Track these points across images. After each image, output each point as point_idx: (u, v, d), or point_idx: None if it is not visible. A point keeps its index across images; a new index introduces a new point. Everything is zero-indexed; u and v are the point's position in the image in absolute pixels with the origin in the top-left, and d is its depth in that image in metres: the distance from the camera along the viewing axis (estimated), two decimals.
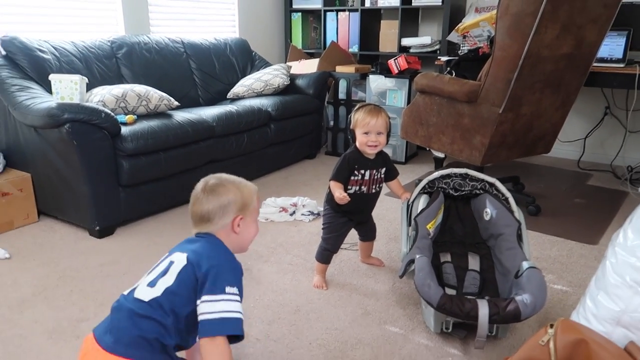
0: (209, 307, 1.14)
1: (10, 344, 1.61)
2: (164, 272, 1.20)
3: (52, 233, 2.48)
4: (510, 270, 1.66)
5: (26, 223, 2.56)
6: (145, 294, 1.18)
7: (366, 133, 1.80)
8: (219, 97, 3.59)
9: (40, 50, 2.66)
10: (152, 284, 1.19)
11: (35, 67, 2.59)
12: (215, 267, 1.17)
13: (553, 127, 2.77)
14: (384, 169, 1.91)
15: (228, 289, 1.16)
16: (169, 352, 1.17)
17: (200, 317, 1.14)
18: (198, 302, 1.15)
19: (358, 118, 1.81)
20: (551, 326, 1.17)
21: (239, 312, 1.16)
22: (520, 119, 2.52)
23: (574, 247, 2.37)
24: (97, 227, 2.37)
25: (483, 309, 1.42)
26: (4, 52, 2.56)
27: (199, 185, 1.30)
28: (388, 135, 1.84)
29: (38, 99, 2.35)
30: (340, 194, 1.78)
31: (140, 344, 1.13)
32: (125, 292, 1.24)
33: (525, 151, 2.77)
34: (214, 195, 1.25)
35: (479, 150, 2.56)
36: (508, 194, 1.85)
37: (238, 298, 1.18)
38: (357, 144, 1.84)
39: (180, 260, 1.21)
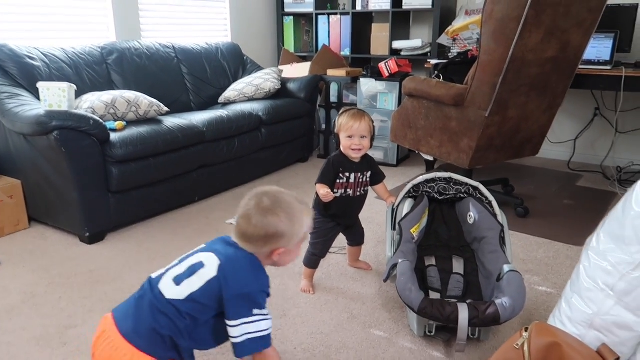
0: (237, 331, 1.16)
1: None
2: (192, 272, 1.19)
3: (42, 240, 2.49)
4: (492, 273, 1.68)
5: (17, 230, 2.58)
6: (169, 290, 1.18)
7: (350, 137, 1.82)
8: (211, 102, 3.61)
9: (30, 58, 2.67)
10: (177, 281, 1.19)
11: (25, 74, 2.60)
12: (245, 294, 1.17)
13: (540, 130, 2.79)
14: (369, 172, 1.93)
15: (256, 311, 1.17)
16: (181, 353, 1.18)
17: (236, 340, 1.16)
18: (230, 322, 1.16)
19: (342, 122, 1.83)
20: (526, 329, 1.19)
21: (267, 329, 1.19)
22: (507, 122, 2.54)
23: (561, 249, 2.39)
24: (87, 234, 2.39)
25: (463, 312, 1.44)
26: None
27: (252, 200, 1.21)
28: (372, 139, 1.86)
29: (27, 107, 2.37)
30: (325, 191, 1.80)
31: (154, 339, 1.14)
32: (153, 276, 1.24)
33: (513, 154, 2.80)
34: (263, 220, 1.17)
35: (467, 153, 2.58)
36: (491, 198, 1.87)
37: (266, 318, 1.19)
38: (342, 147, 1.87)
39: (211, 267, 1.19)
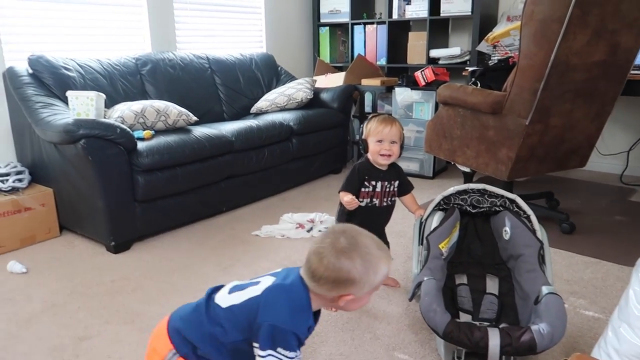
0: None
1: None
2: (245, 287, 1.17)
3: (70, 248, 2.50)
4: (530, 294, 1.53)
5: (48, 238, 2.61)
6: (219, 297, 1.17)
7: (379, 141, 1.73)
8: (244, 112, 3.58)
9: (66, 68, 2.72)
10: (231, 291, 1.17)
11: (60, 84, 2.65)
12: (273, 327, 1.08)
13: (588, 140, 2.59)
14: (397, 182, 1.82)
15: (281, 350, 1.07)
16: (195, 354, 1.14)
17: None
18: (259, 351, 1.09)
19: (371, 127, 1.75)
20: None
21: None
22: (549, 131, 2.37)
23: (611, 269, 2.18)
24: (113, 243, 2.38)
25: (494, 339, 1.30)
26: (30, 71, 2.64)
27: (328, 237, 1.10)
28: (401, 147, 1.76)
29: (59, 116, 2.40)
30: (349, 198, 1.73)
31: (183, 341, 1.15)
32: (212, 287, 1.22)
33: (557, 165, 2.60)
34: (336, 263, 1.06)
35: (505, 164, 2.42)
36: (530, 212, 1.71)
37: (293, 356, 1.09)
38: (370, 153, 1.78)
39: (262, 286, 1.14)
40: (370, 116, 1.83)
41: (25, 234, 2.50)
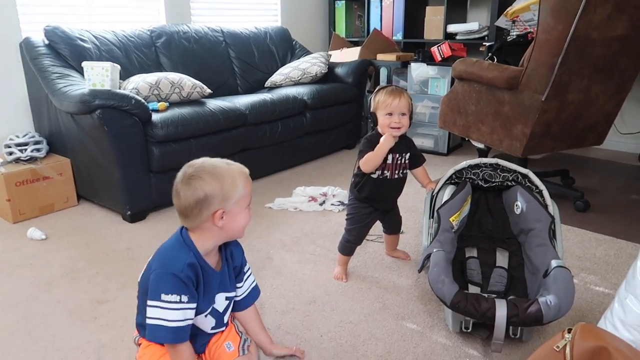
0: (148, 312, 1.15)
1: (34, 320, 1.67)
2: None
3: (88, 217, 2.56)
4: (539, 268, 1.53)
5: (66, 206, 2.67)
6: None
7: (389, 114, 1.71)
8: (258, 86, 3.58)
9: (81, 40, 2.74)
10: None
11: (75, 55, 2.67)
12: (155, 272, 1.15)
13: (606, 117, 2.55)
14: (407, 154, 1.81)
15: (164, 297, 1.13)
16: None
17: (148, 321, 1.16)
18: (147, 302, 1.16)
19: (379, 100, 1.72)
20: (569, 331, 1.05)
21: (175, 320, 1.14)
22: (566, 108, 2.33)
23: (624, 247, 2.17)
24: (129, 212, 2.43)
25: (501, 309, 1.31)
26: (46, 41, 2.66)
27: (179, 174, 1.18)
28: (410, 118, 1.75)
29: (75, 86, 2.43)
30: (386, 135, 1.71)
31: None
32: None
33: (573, 142, 2.57)
34: (189, 190, 1.13)
35: (520, 141, 2.40)
36: (542, 187, 1.70)
37: (176, 306, 1.13)
38: (379, 127, 1.76)
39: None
40: (377, 88, 1.79)
41: (44, 202, 2.56)
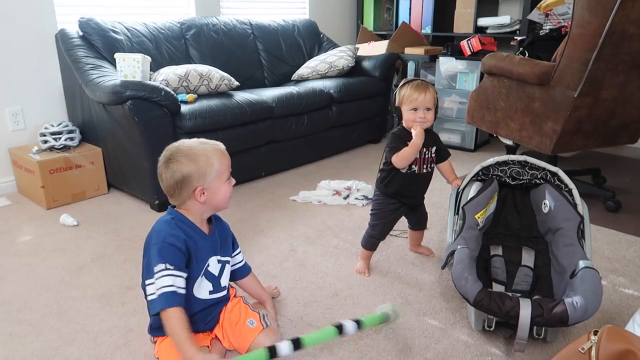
0: (147, 291, 1.24)
1: (64, 304, 1.72)
2: None
3: (118, 205, 2.63)
4: (566, 269, 1.50)
5: (96, 194, 2.74)
6: None
7: (414, 109, 1.70)
8: (285, 79, 3.60)
9: (114, 31, 2.80)
10: None
11: (108, 47, 2.73)
12: (147, 252, 1.25)
13: None
14: (434, 148, 1.80)
15: (155, 269, 1.21)
16: None
17: (150, 297, 1.24)
18: (148, 281, 1.25)
19: (404, 94, 1.71)
20: (595, 333, 1.03)
21: (164, 286, 1.20)
22: (599, 105, 2.27)
23: None
24: (157, 201, 2.48)
25: (525, 309, 1.30)
26: (80, 33, 2.73)
27: (160, 158, 1.29)
28: (436, 112, 1.73)
29: (107, 77, 2.48)
30: (417, 130, 1.69)
31: None
32: None
33: (605, 140, 2.51)
34: (168, 172, 1.25)
35: (550, 138, 2.35)
36: (572, 185, 1.66)
37: (163, 273, 1.20)
38: (404, 122, 1.75)
39: None
40: (402, 82, 1.77)
41: (76, 189, 2.64)
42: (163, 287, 1.20)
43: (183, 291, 1.24)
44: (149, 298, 1.23)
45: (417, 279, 1.88)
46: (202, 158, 1.26)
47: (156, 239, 1.25)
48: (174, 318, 1.21)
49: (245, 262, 1.58)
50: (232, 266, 1.50)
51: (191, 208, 1.30)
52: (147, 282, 1.24)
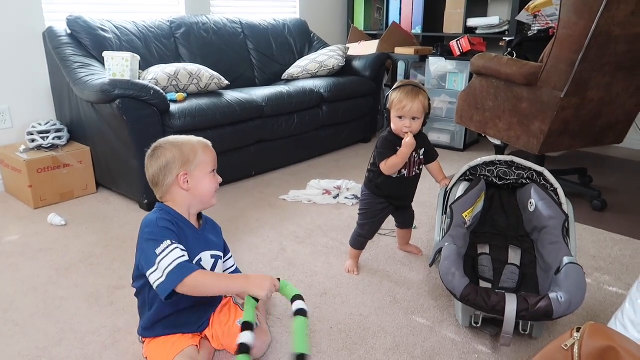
0: (152, 279, 1.21)
1: (52, 304, 1.72)
2: None
3: (106, 204, 2.61)
4: (551, 266, 1.53)
5: (85, 194, 2.72)
6: None
7: (400, 117, 1.70)
8: (275, 78, 3.60)
9: (103, 30, 2.78)
10: None
11: (97, 45, 2.72)
12: (140, 245, 1.26)
13: (626, 116, 2.51)
14: (422, 150, 1.81)
15: (157, 251, 1.19)
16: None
17: (159, 280, 1.20)
18: (149, 271, 1.22)
19: (394, 99, 1.71)
20: (578, 330, 1.05)
21: (176, 259, 1.19)
22: (586, 105, 2.30)
23: None
24: (146, 201, 2.47)
25: (511, 303, 1.31)
26: (69, 31, 2.71)
27: (147, 152, 1.34)
28: (427, 117, 1.74)
29: (96, 76, 2.47)
30: (408, 139, 1.67)
31: None
32: None
33: (592, 140, 2.54)
34: (154, 159, 1.30)
35: (538, 138, 2.37)
36: (557, 185, 1.69)
37: (172, 247, 1.20)
38: (392, 127, 1.75)
39: None
40: (396, 85, 1.76)
41: (64, 189, 2.62)
42: (176, 259, 1.18)
43: (188, 258, 1.24)
44: (158, 282, 1.19)
45: (405, 277, 1.90)
46: (187, 146, 1.31)
47: (148, 228, 1.25)
48: (201, 277, 1.20)
49: (237, 267, 1.58)
50: (224, 270, 1.50)
51: (176, 197, 1.32)
52: (149, 272, 1.21)
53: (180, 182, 1.29)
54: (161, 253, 1.19)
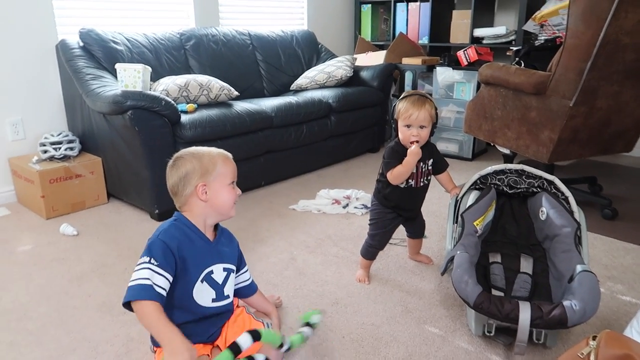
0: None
1: (65, 313, 1.73)
2: None
3: (117, 214, 2.63)
4: (564, 274, 1.52)
5: (96, 204, 2.75)
6: None
7: (407, 126, 1.71)
8: (284, 89, 3.62)
9: (114, 42, 2.83)
10: None
11: (108, 57, 2.75)
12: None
13: (636, 124, 2.50)
14: (430, 161, 1.82)
15: (139, 260, 1.22)
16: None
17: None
18: None
19: (401, 108, 1.72)
20: (594, 338, 1.05)
21: (140, 278, 1.18)
22: (594, 113, 2.30)
23: None
24: (157, 211, 2.49)
25: (524, 312, 1.31)
26: (81, 44, 2.75)
27: (169, 162, 1.35)
28: (434, 126, 1.75)
29: (108, 87, 2.50)
30: (413, 148, 1.69)
31: None
32: None
33: (601, 149, 2.54)
34: (174, 169, 1.31)
35: (547, 147, 2.37)
36: (568, 193, 1.69)
37: (144, 265, 1.20)
38: (400, 137, 1.76)
39: None
40: (402, 95, 1.78)
41: (76, 199, 2.65)
42: (140, 278, 1.17)
43: (162, 291, 1.19)
44: (129, 284, 1.20)
45: (417, 287, 1.89)
46: (207, 157, 1.32)
47: (152, 236, 1.28)
48: (149, 309, 1.15)
49: (253, 281, 1.58)
50: (239, 284, 1.51)
51: (194, 208, 1.32)
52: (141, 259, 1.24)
53: (199, 193, 1.30)
54: (139, 264, 1.21)
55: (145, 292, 1.16)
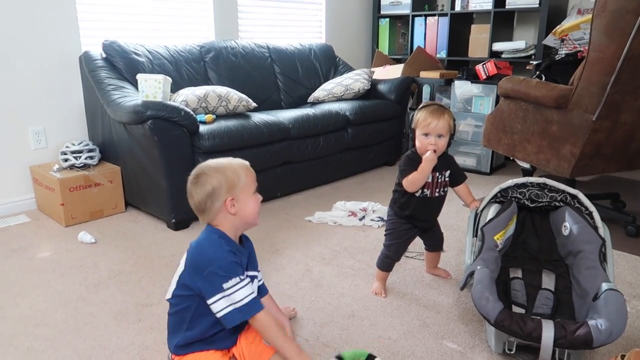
0: (214, 308, 1.24)
1: (82, 320, 1.73)
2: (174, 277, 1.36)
3: (135, 223, 2.65)
4: (588, 292, 1.48)
5: (114, 212, 2.77)
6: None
7: (426, 135, 1.70)
8: (301, 101, 3.64)
9: (136, 54, 2.87)
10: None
11: (130, 68, 2.79)
12: (210, 273, 1.24)
13: None
14: (447, 172, 1.80)
15: (225, 285, 1.23)
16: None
17: (220, 313, 1.25)
18: (209, 301, 1.25)
19: (419, 118, 1.72)
20: (622, 357, 1.01)
21: (243, 298, 1.24)
22: (618, 128, 2.26)
23: None
24: (174, 220, 2.50)
25: (548, 330, 1.27)
26: (104, 55, 2.80)
27: (189, 178, 1.32)
28: (452, 137, 1.73)
29: (128, 98, 2.53)
30: (428, 154, 1.69)
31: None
32: None
33: (625, 164, 2.48)
34: (198, 186, 1.28)
35: (568, 161, 2.34)
36: (592, 208, 1.65)
37: (239, 285, 1.24)
38: (417, 146, 1.75)
39: (182, 263, 1.34)
40: (420, 105, 1.78)
41: (94, 207, 2.67)
42: (246, 296, 1.24)
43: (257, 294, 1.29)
44: (225, 311, 1.24)
45: (434, 301, 1.86)
46: (229, 170, 1.30)
47: (220, 261, 1.25)
48: (264, 319, 1.26)
49: (263, 283, 1.58)
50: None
51: (224, 223, 1.32)
52: (213, 299, 1.24)
53: (228, 207, 1.29)
54: (232, 287, 1.23)
55: (255, 305, 1.26)
